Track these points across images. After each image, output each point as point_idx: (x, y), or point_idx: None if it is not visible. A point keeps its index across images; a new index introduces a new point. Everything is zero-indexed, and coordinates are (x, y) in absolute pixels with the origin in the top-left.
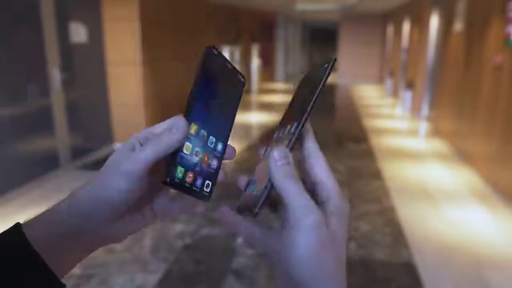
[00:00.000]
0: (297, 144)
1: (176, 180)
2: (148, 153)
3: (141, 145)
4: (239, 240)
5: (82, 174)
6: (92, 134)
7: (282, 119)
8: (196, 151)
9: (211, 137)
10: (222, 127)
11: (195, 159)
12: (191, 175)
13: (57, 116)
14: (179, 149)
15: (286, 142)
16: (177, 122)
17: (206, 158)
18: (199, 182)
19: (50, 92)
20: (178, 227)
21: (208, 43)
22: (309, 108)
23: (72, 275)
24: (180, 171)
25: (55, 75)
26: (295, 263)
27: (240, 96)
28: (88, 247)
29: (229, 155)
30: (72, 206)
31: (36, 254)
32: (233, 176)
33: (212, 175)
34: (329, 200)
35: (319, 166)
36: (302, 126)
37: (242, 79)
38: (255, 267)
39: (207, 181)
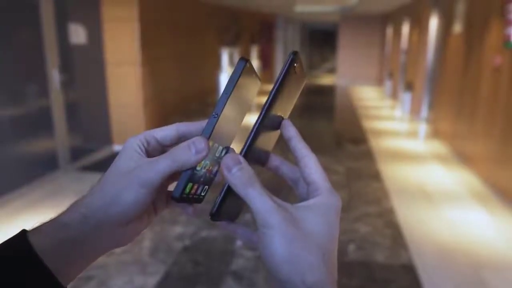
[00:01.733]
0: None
1: (184, 196)
2: (165, 167)
3: (145, 148)
4: (238, 242)
5: (81, 175)
6: (92, 135)
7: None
8: (205, 164)
9: (219, 147)
10: (230, 133)
11: (203, 171)
12: (195, 187)
13: (56, 117)
14: (193, 167)
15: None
16: (199, 143)
17: (210, 167)
18: (199, 190)
19: (49, 93)
20: (177, 229)
21: (208, 44)
22: (263, 111)
23: None
24: (189, 187)
25: (55, 76)
26: (271, 266)
27: (253, 99)
28: (95, 254)
29: None
30: (87, 216)
31: (38, 259)
32: None
33: (210, 180)
34: (320, 198)
35: (309, 166)
36: (256, 129)
37: (259, 81)
38: (254, 268)
39: (205, 186)
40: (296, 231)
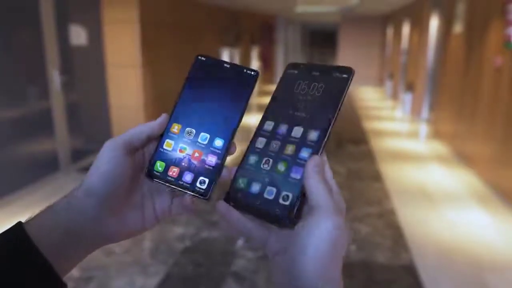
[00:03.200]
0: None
1: (156, 173)
2: (125, 134)
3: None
4: (239, 242)
5: (82, 177)
6: (92, 136)
7: (270, 112)
8: (181, 147)
9: (202, 134)
10: (222, 124)
11: (181, 154)
12: (175, 169)
13: (57, 118)
14: (158, 146)
15: (312, 149)
16: (161, 116)
17: (197, 154)
18: (188, 177)
19: (50, 94)
20: (178, 229)
21: (208, 45)
22: (333, 120)
23: (71, 278)
24: (160, 165)
25: (55, 78)
26: (304, 263)
27: (249, 90)
28: (88, 246)
29: (229, 150)
30: (71, 201)
31: (38, 252)
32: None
33: (209, 172)
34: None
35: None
36: (327, 137)
37: (252, 73)
38: (255, 269)
39: (201, 178)
40: (343, 242)
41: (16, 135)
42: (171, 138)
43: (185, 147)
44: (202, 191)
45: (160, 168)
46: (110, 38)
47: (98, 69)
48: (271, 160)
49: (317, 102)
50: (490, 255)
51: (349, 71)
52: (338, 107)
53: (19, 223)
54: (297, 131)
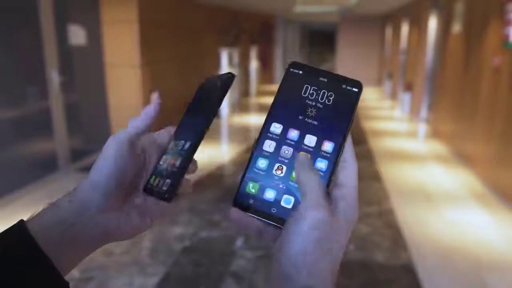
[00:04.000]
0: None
1: (149, 186)
2: (129, 129)
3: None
4: (238, 242)
5: (81, 177)
6: (91, 136)
7: (277, 114)
8: (167, 158)
9: (181, 141)
10: (194, 127)
11: (164, 165)
12: (157, 180)
13: (56, 119)
14: (156, 163)
15: (328, 161)
16: (148, 106)
17: (172, 161)
18: (160, 182)
19: (49, 95)
20: (177, 229)
21: (207, 45)
22: (347, 133)
23: (71, 278)
24: (152, 179)
25: (54, 78)
26: (290, 253)
27: (221, 92)
28: (90, 243)
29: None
30: (73, 199)
31: (40, 250)
32: (234, 178)
33: (174, 174)
34: (341, 203)
35: (348, 170)
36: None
37: (228, 75)
38: (254, 269)
39: (167, 180)
40: (331, 236)
41: (15, 135)
42: (167, 154)
43: (169, 157)
44: (164, 191)
45: (152, 181)
46: (109, 38)
47: (97, 69)
48: (284, 167)
49: (329, 112)
50: (489, 255)
51: (359, 86)
52: (351, 121)
53: (21, 221)
54: (311, 140)
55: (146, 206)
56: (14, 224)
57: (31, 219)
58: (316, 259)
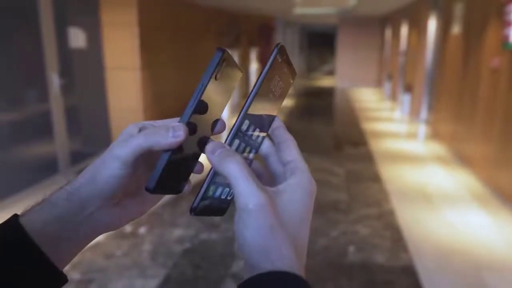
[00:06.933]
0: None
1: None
2: (138, 142)
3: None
4: None
5: None
6: (91, 139)
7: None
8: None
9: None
10: (209, 122)
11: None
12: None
13: (56, 121)
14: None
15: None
16: (179, 128)
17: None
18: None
19: (49, 97)
20: (177, 232)
21: (207, 48)
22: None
23: (71, 280)
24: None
25: (54, 80)
26: (243, 251)
27: (233, 90)
28: (88, 236)
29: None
30: (71, 193)
31: (34, 245)
32: None
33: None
34: (292, 178)
35: (288, 149)
36: (240, 118)
37: (239, 72)
38: None
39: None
40: (273, 221)
41: (15, 137)
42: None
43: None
44: (177, 186)
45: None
46: (109, 41)
47: (97, 71)
48: None
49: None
50: (489, 256)
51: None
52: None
53: (15, 215)
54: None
55: (142, 197)
56: (7, 219)
57: (25, 214)
58: (272, 243)
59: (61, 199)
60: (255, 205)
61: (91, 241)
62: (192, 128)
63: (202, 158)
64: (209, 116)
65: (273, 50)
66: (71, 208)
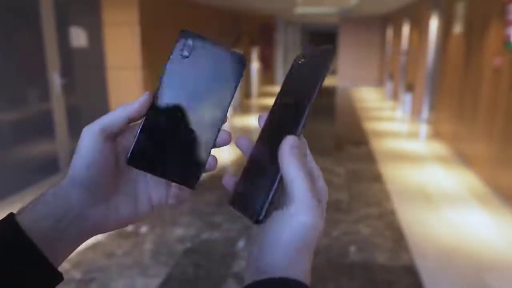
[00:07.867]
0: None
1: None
2: (102, 119)
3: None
4: (240, 244)
5: None
6: None
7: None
8: None
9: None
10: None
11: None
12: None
13: (57, 121)
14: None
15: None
16: (142, 95)
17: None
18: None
19: (50, 97)
20: (179, 231)
21: None
22: (309, 105)
23: (72, 280)
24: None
25: (55, 80)
26: (268, 247)
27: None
28: (80, 237)
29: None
30: (57, 191)
31: (31, 243)
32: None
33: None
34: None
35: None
36: (307, 110)
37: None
38: None
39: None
40: (313, 244)
41: (16, 137)
42: None
43: None
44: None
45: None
46: (110, 40)
47: (98, 71)
48: None
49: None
50: (490, 255)
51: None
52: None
53: (11, 214)
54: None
55: (140, 194)
56: (4, 218)
57: (20, 212)
58: (296, 258)
59: (49, 197)
60: (310, 221)
61: (82, 242)
62: (161, 101)
63: (215, 152)
64: (190, 96)
65: (329, 52)
66: (57, 205)
